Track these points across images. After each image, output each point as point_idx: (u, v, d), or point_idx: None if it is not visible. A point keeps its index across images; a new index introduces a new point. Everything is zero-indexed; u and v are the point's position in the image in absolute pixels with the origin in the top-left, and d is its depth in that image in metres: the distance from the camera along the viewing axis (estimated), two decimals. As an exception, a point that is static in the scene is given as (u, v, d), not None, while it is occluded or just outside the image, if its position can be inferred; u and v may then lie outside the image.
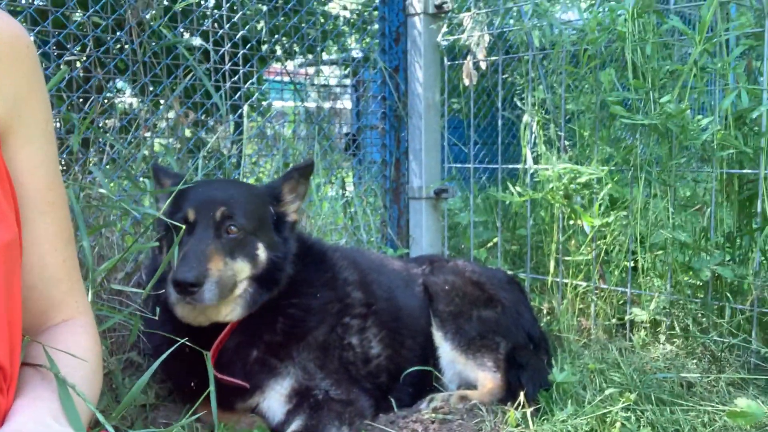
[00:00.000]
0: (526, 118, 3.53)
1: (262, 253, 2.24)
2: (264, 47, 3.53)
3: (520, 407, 2.35)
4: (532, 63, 3.48)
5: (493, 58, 3.72)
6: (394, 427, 2.34)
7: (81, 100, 2.88)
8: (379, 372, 2.49)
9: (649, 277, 3.13)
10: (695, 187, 3.47)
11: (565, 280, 3.34)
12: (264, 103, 4.15)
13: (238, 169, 3.41)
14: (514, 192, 3.40)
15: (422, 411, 2.45)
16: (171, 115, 3.16)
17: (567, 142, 3.44)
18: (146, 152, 2.99)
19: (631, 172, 3.02)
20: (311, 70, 4.18)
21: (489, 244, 4.06)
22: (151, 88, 3.04)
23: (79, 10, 2.87)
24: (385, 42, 3.95)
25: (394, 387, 2.53)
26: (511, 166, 3.78)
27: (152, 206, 2.68)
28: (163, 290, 2.15)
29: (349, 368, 2.41)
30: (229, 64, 3.30)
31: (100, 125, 2.97)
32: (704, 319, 2.90)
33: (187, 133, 3.36)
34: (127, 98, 3.40)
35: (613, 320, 3.19)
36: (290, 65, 4.17)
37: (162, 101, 3.11)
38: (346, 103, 4.82)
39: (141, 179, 2.95)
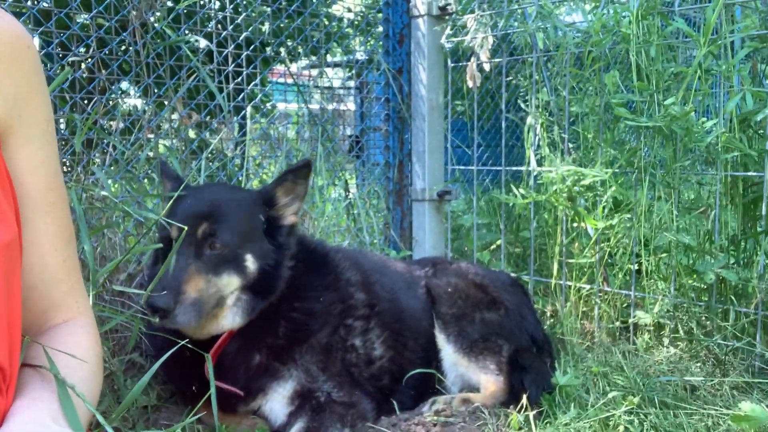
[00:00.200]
0: (529, 120, 3.52)
1: (251, 264, 2.21)
2: (268, 49, 3.53)
3: (523, 410, 2.34)
4: (536, 65, 3.48)
5: (496, 60, 3.72)
6: (396, 430, 2.34)
7: (85, 101, 2.88)
8: (381, 374, 2.49)
9: (653, 280, 3.11)
10: (699, 189, 3.46)
11: (569, 283, 3.33)
12: (268, 105, 4.14)
13: (241, 170, 3.41)
14: (517, 194, 3.39)
15: (424, 414, 2.44)
16: (174, 116, 3.15)
17: (571, 145, 3.43)
18: (150, 153, 2.99)
19: (635, 175, 3.01)
20: (315, 72, 4.18)
21: (492, 247, 4.05)
22: (154, 90, 3.04)
23: (82, 12, 2.87)
24: (388, 44, 3.95)
25: (396, 389, 2.53)
26: (514, 169, 3.77)
27: (155, 208, 2.68)
28: None
29: (352, 370, 2.40)
30: (233, 65, 3.30)
31: (104, 126, 2.96)
32: (708, 323, 2.88)
33: (191, 134, 3.36)
34: (131, 100, 3.40)
35: (617, 323, 3.18)
36: (294, 67, 4.16)
37: (165, 102, 3.11)
38: (349, 105, 4.82)
39: (144, 180, 2.95)
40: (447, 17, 3.82)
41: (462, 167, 4.13)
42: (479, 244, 3.95)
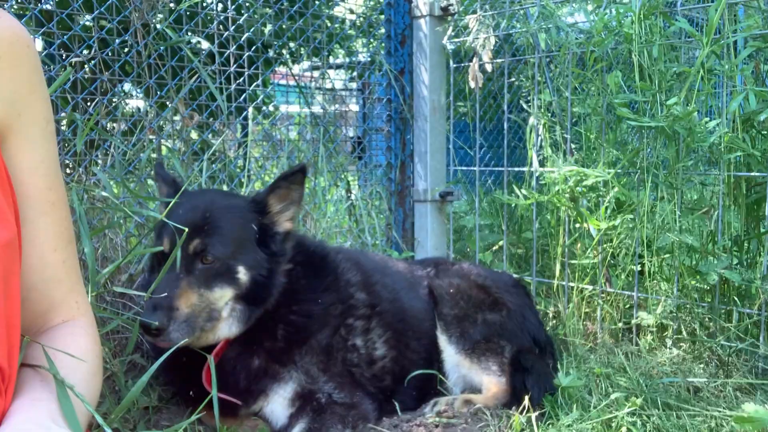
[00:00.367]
0: (532, 120, 3.52)
1: (243, 275, 2.18)
2: (270, 50, 3.53)
3: (525, 412, 2.33)
4: (539, 65, 3.47)
5: (499, 60, 3.71)
6: (397, 431, 2.33)
7: (87, 102, 2.88)
8: (383, 374, 2.48)
9: (655, 281, 3.11)
10: (702, 190, 3.45)
11: (571, 284, 3.32)
12: (270, 107, 4.14)
13: (243, 171, 3.41)
14: (519, 195, 3.38)
15: (426, 415, 2.43)
16: (176, 117, 3.15)
17: (573, 145, 3.42)
18: (153, 155, 2.99)
19: (638, 175, 3.00)
20: (317, 73, 4.18)
21: (494, 248, 4.04)
22: (156, 91, 3.04)
23: (84, 12, 2.87)
24: (390, 44, 3.95)
25: (398, 390, 2.52)
26: (516, 169, 3.77)
27: (156, 208, 2.67)
28: None
29: (353, 371, 2.39)
30: (234, 65, 3.30)
31: (105, 127, 2.97)
32: (711, 324, 2.87)
33: (193, 135, 3.36)
34: (133, 101, 3.40)
35: (620, 324, 3.17)
36: (296, 68, 4.17)
37: (168, 103, 3.11)
38: (352, 106, 4.81)
39: (145, 180, 2.95)
40: (449, 18, 3.82)
41: (464, 168, 4.13)
42: (481, 245, 3.95)
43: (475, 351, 2.61)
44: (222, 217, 2.22)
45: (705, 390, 2.52)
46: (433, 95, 3.87)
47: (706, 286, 2.95)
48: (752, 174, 2.83)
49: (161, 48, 2.98)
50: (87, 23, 2.92)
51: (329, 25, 3.92)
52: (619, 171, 3.06)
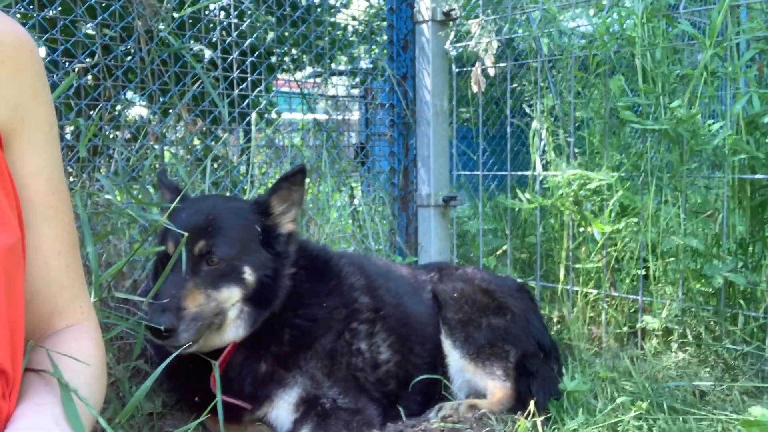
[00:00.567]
0: (534, 124, 3.51)
1: (249, 276, 2.18)
2: (273, 57, 3.53)
3: (531, 416, 2.32)
4: (541, 70, 3.47)
5: (501, 65, 3.71)
6: (402, 436, 2.32)
7: (90, 108, 2.88)
8: (387, 379, 2.47)
9: (660, 285, 3.09)
10: (707, 193, 3.44)
11: (576, 288, 3.31)
12: (273, 114, 4.15)
13: (246, 177, 3.41)
14: (523, 199, 3.38)
15: (431, 420, 2.42)
16: (180, 125, 3.16)
17: (576, 150, 3.41)
18: (155, 162, 2.99)
19: (642, 179, 2.99)
20: (319, 79, 4.19)
21: (498, 252, 4.04)
22: (159, 97, 3.04)
23: (88, 19, 2.88)
24: (393, 50, 3.95)
25: (402, 395, 2.51)
26: (520, 173, 3.76)
27: (159, 213, 2.67)
28: None
29: (358, 375, 2.39)
30: (237, 71, 3.30)
31: (108, 134, 2.97)
32: (717, 327, 2.86)
33: (196, 141, 3.36)
34: (136, 109, 3.41)
35: (625, 328, 3.16)
36: (298, 75, 4.17)
37: (171, 110, 3.12)
38: (354, 113, 4.82)
39: (149, 186, 2.95)
40: (451, 22, 3.82)
41: (467, 173, 4.12)
42: (485, 250, 3.94)
43: (479, 355, 2.59)
44: (226, 219, 2.22)
45: (711, 394, 2.51)
46: (436, 100, 3.87)
47: (711, 290, 2.94)
48: (757, 176, 2.82)
49: (164, 54, 2.99)
50: (90, 31, 2.93)
51: (331, 31, 3.93)
52: (622, 174, 3.05)
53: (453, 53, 3.87)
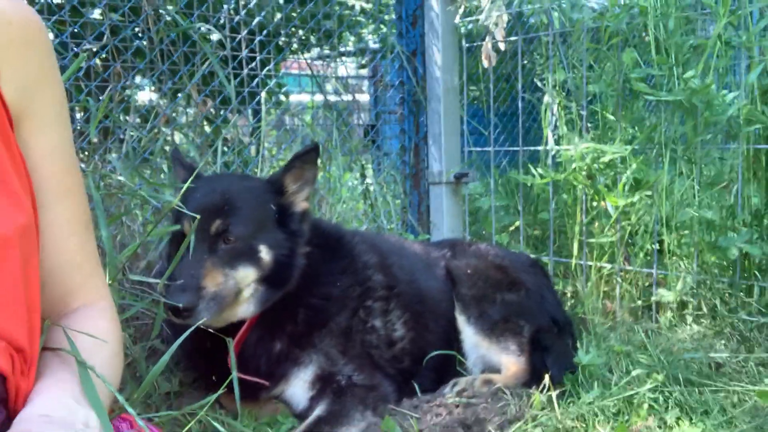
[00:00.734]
0: (546, 99, 3.48)
1: (265, 255, 2.19)
2: (281, 37, 3.51)
3: (546, 390, 2.32)
4: (552, 43, 3.43)
5: (512, 39, 3.67)
6: (417, 412, 2.33)
7: (100, 90, 2.88)
8: (402, 356, 2.48)
9: (675, 258, 3.07)
10: (721, 164, 3.41)
11: (589, 263, 3.30)
12: (281, 95, 4.13)
13: (257, 157, 3.41)
14: (535, 174, 3.36)
15: (446, 395, 2.43)
16: (190, 108, 3.15)
17: (589, 124, 3.38)
18: (166, 145, 2.99)
19: (655, 151, 2.97)
20: (328, 59, 4.16)
21: (511, 228, 4.02)
22: (169, 77, 3.04)
23: (95, 1, 2.87)
24: (401, 26, 3.92)
25: (417, 371, 2.52)
26: (532, 149, 3.73)
27: (172, 195, 2.67)
28: None
29: (373, 352, 2.40)
30: (246, 50, 3.29)
31: (118, 115, 2.97)
32: (732, 299, 2.85)
33: (206, 122, 3.36)
34: (145, 93, 3.40)
35: (639, 302, 3.15)
36: (306, 56, 4.15)
37: (180, 91, 3.11)
38: (365, 95, 4.80)
39: (159, 167, 2.96)
40: (460, -3, 3.78)
41: (479, 149, 4.10)
42: (498, 227, 3.93)
43: (494, 331, 2.59)
44: (241, 197, 2.23)
45: (727, 365, 2.50)
46: (446, 75, 3.84)
47: (726, 262, 2.92)
48: (772, 147, 2.79)
49: (172, 34, 2.98)
50: (97, 14, 2.92)
51: (338, 9, 3.90)
52: (636, 147, 3.02)
53: (463, 30, 3.83)
